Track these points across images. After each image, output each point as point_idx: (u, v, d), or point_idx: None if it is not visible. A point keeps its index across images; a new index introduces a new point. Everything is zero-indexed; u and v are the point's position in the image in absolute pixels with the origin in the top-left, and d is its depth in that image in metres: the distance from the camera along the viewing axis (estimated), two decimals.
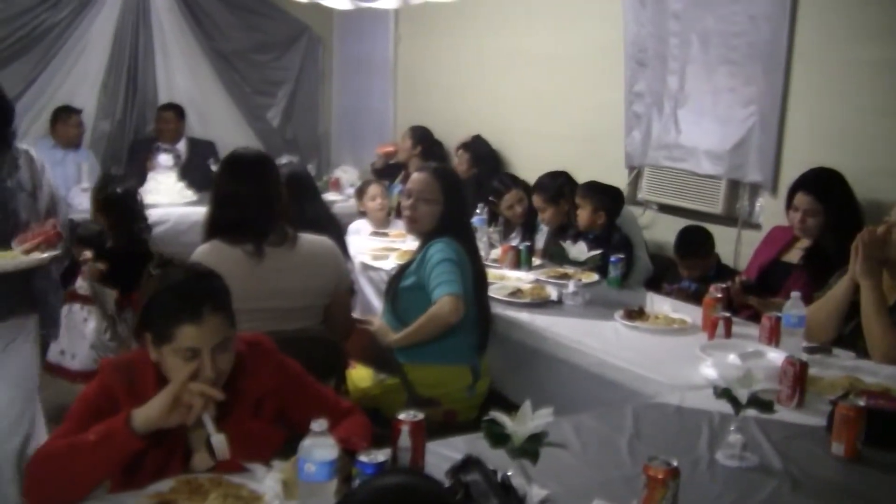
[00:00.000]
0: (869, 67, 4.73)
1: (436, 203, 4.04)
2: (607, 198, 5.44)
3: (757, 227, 5.40)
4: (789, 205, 4.57)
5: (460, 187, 4.30)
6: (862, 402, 2.72)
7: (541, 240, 5.92)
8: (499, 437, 2.23)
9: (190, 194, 7.26)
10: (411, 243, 4.91)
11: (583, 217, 5.40)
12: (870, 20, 4.74)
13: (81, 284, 5.22)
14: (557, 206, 5.71)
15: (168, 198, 7.04)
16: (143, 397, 2.44)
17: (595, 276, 4.99)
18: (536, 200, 5.82)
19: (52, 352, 5.17)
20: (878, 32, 4.71)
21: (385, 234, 6.16)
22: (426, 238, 4.07)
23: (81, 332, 5.24)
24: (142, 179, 7.28)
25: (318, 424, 2.15)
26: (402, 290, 4.06)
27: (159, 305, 2.50)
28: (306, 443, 2.14)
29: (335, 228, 5.02)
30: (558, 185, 5.73)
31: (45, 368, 5.08)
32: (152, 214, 6.68)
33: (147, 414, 2.34)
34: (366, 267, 5.38)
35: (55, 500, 2.34)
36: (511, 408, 2.26)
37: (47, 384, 5.10)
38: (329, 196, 7.76)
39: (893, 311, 3.65)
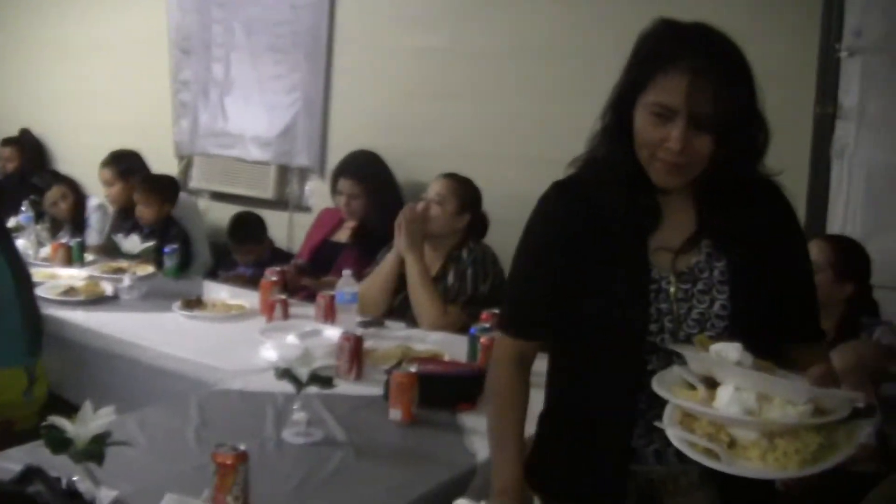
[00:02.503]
0: (406, 54, 5.01)
1: None
2: (170, 191, 5.39)
3: (308, 209, 5.57)
4: (334, 189, 4.75)
5: None
6: (414, 369, 2.90)
7: (91, 235, 5.75)
8: (59, 443, 2.16)
9: None
10: None
11: (146, 213, 5.32)
12: (408, 9, 5.02)
13: None
14: (126, 182, 5.58)
15: None
16: None
17: (151, 269, 4.92)
18: (105, 174, 5.66)
19: None
20: (414, 21, 5.00)
21: None
22: None
23: None
24: None
25: None
26: None
27: None
28: None
29: None
30: (128, 164, 5.61)
31: None
32: None
33: None
34: None
35: None
36: (73, 411, 2.20)
37: None
38: None
39: (436, 281, 3.91)
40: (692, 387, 1.70)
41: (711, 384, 1.68)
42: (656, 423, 1.70)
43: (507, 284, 2.15)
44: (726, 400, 1.61)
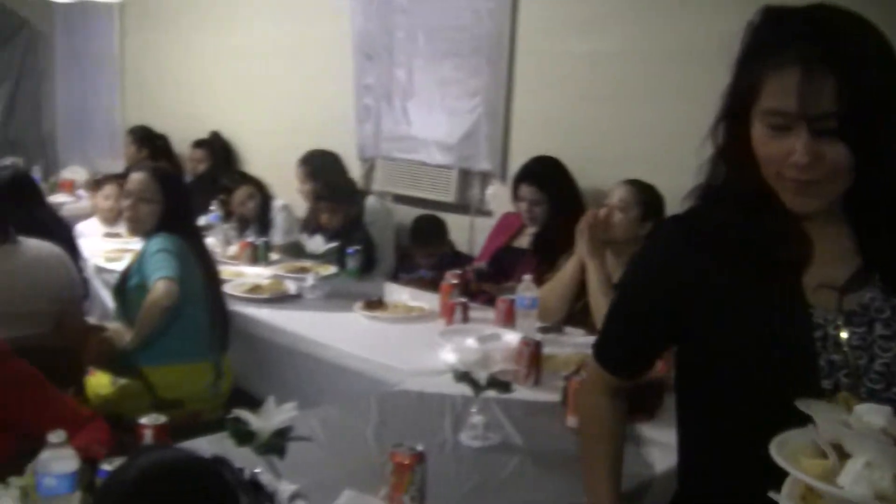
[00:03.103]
0: (585, 58, 4.95)
1: (155, 202, 3.98)
2: (350, 195, 5.50)
3: (488, 213, 5.56)
4: (515, 195, 4.74)
5: (180, 186, 4.28)
6: None
7: (276, 234, 5.90)
8: (244, 435, 2.21)
9: None
10: None
11: (325, 219, 5.43)
12: (585, 14, 4.96)
13: None
14: (317, 181, 5.71)
15: None
16: None
17: (333, 269, 5.02)
18: (299, 172, 5.82)
19: None
20: (589, 25, 4.94)
21: (118, 235, 5.98)
22: (147, 237, 4.01)
23: None
24: None
25: (56, 436, 2.07)
26: (129, 290, 3.98)
27: None
28: (44, 456, 2.06)
29: (64, 231, 4.85)
30: (321, 163, 5.78)
31: None
32: None
33: None
34: (100, 269, 5.20)
35: None
36: (256, 405, 2.25)
37: None
38: (59, 198, 7.47)
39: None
40: (824, 454, 1.35)
41: (845, 454, 1.33)
42: (771, 494, 1.36)
43: (608, 313, 1.90)
44: (853, 477, 1.28)
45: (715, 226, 1.61)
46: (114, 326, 3.99)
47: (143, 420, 2.38)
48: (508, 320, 3.83)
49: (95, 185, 6.64)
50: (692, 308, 1.63)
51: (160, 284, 3.75)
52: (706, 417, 1.71)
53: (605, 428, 1.87)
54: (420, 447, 2.21)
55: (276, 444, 2.20)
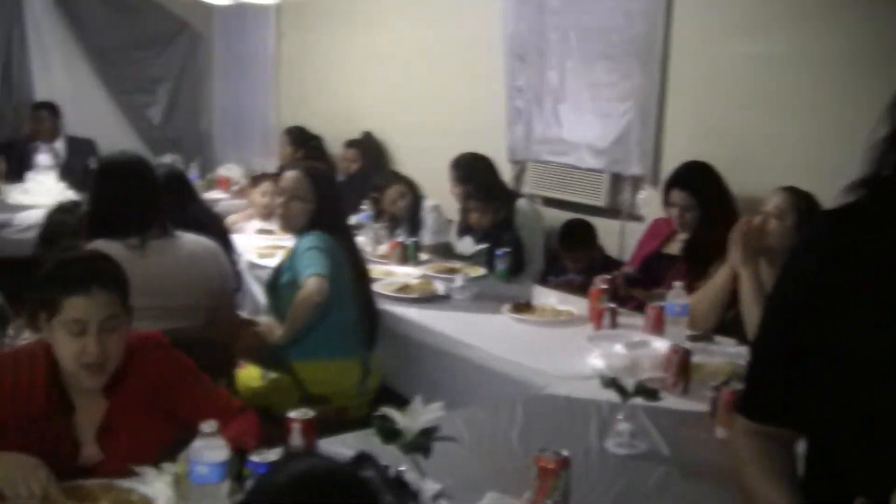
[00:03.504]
0: (743, 61, 4.85)
1: (307, 200, 4.04)
2: (502, 197, 5.51)
3: (639, 218, 5.49)
4: (666, 201, 4.66)
5: (332, 185, 4.34)
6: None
7: (426, 235, 5.94)
8: (390, 433, 2.23)
9: (71, 194, 7.07)
10: None
11: (475, 219, 5.45)
12: (742, 15, 4.86)
13: None
14: (467, 185, 5.74)
15: (49, 198, 6.82)
16: (25, 395, 2.45)
17: (482, 271, 5.03)
18: (451, 175, 5.85)
19: None
20: (750, 27, 4.83)
21: (271, 232, 6.10)
22: (299, 235, 4.08)
23: None
24: (20, 180, 7.15)
25: (209, 425, 2.12)
26: (281, 287, 4.06)
27: (50, 278, 2.51)
28: (196, 444, 2.11)
29: (217, 226, 4.97)
30: (471, 167, 5.78)
31: None
32: (31, 215, 6.54)
33: None
34: (252, 265, 5.32)
35: None
36: (403, 403, 2.27)
37: None
38: (215, 194, 7.69)
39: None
40: None
41: None
42: None
43: (751, 348, 1.69)
44: None
45: (878, 223, 1.45)
46: (265, 321, 4.08)
47: (292, 414, 2.42)
48: (658, 327, 3.78)
49: (252, 182, 6.80)
50: (847, 317, 1.47)
51: (311, 281, 3.81)
52: (843, 430, 1.54)
53: (772, 463, 1.61)
54: (565, 452, 2.20)
55: (422, 443, 2.21)
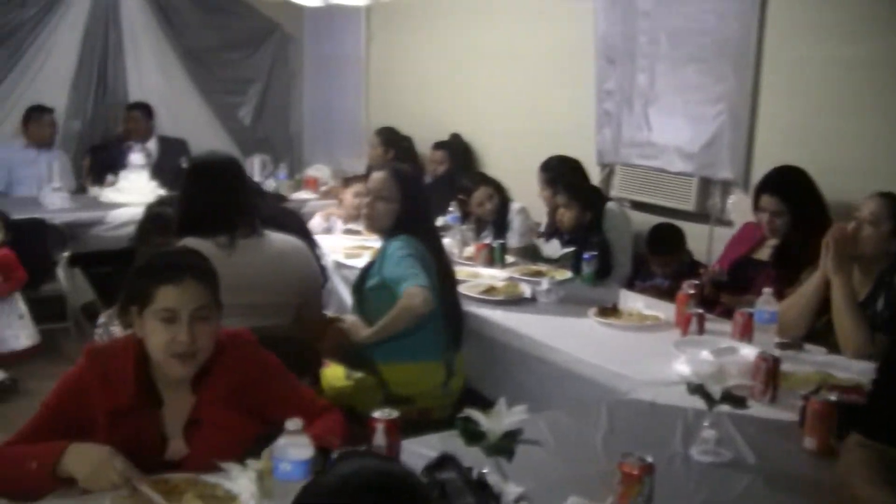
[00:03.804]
0: (837, 65, 4.76)
1: (393, 201, 4.05)
2: (592, 199, 5.48)
3: (729, 223, 5.42)
4: (756, 206, 4.59)
5: (419, 186, 4.33)
6: (833, 398, 2.74)
7: (512, 237, 5.93)
8: (474, 435, 2.23)
9: (163, 193, 7.20)
10: None
11: (566, 218, 5.43)
12: (838, 18, 4.77)
13: None
14: (554, 189, 5.72)
15: (140, 197, 6.94)
16: (116, 386, 2.49)
17: (568, 274, 5.01)
18: (540, 177, 5.85)
19: None
20: (846, 30, 4.74)
21: (358, 232, 6.14)
22: (386, 237, 4.09)
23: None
24: (114, 178, 7.30)
25: (294, 423, 2.14)
26: (368, 290, 4.07)
27: (142, 271, 2.57)
28: (281, 442, 2.13)
29: (295, 223, 4.99)
30: (559, 171, 5.78)
31: None
32: (123, 214, 6.69)
33: (74, 469, 2.31)
34: (339, 265, 5.36)
35: (12, 497, 2.38)
36: (486, 405, 2.27)
37: None
38: (303, 195, 7.77)
39: (863, 307, 3.68)
40: None
41: None
42: None
43: (877, 369, 1.65)
44: None
45: None
46: (351, 319, 4.09)
47: (376, 414, 2.43)
48: (746, 334, 3.72)
49: (344, 183, 6.85)
50: None
51: (417, 292, 3.77)
52: None
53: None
54: (649, 458, 2.18)
55: (506, 445, 2.21)
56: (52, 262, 5.59)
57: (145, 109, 8.33)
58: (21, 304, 5.75)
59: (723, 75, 5.35)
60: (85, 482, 2.29)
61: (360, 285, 4.14)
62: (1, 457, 2.43)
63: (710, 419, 2.68)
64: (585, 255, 4.94)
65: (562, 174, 5.73)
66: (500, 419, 2.22)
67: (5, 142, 7.97)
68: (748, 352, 3.40)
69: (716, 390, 2.60)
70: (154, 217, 4.21)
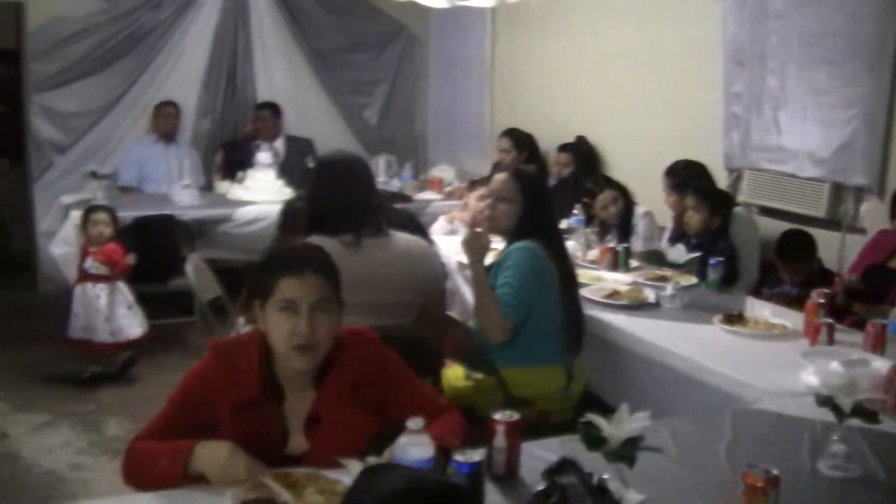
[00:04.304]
0: None
1: (514, 203, 4.03)
2: (721, 204, 5.39)
3: (862, 231, 5.28)
4: (893, 213, 4.46)
5: (541, 188, 4.29)
6: None
7: (637, 241, 5.87)
8: (595, 440, 2.21)
9: (289, 192, 7.31)
10: None
11: (694, 221, 5.35)
12: None
13: (91, 264, 5.75)
14: (681, 194, 5.67)
15: (267, 195, 7.09)
16: (240, 381, 2.54)
17: (694, 279, 4.94)
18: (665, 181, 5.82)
19: (74, 328, 5.78)
20: None
21: None
22: (508, 239, 4.07)
23: (96, 308, 5.76)
24: (243, 176, 7.47)
25: (415, 423, 2.15)
26: None
27: (264, 265, 2.63)
28: (402, 441, 2.14)
29: (409, 222, 5.00)
30: (685, 177, 5.74)
31: (69, 345, 5.83)
32: (251, 211, 6.82)
33: (205, 469, 2.37)
34: (462, 266, 5.37)
35: (144, 489, 2.43)
36: (606, 410, 2.24)
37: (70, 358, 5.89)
38: (427, 195, 7.82)
39: None
40: None
41: None
42: None
43: None
44: None
45: None
46: (472, 324, 4.10)
47: (497, 416, 2.43)
48: (878, 346, 3.61)
49: (471, 186, 6.87)
50: None
51: (497, 321, 3.81)
52: None
53: None
54: (775, 471, 2.13)
55: (627, 452, 2.18)
56: (182, 257, 5.71)
57: (273, 109, 8.48)
58: (129, 295, 5.94)
59: (857, 78, 5.21)
60: (216, 480, 2.34)
61: None
62: (133, 453, 2.50)
63: (839, 433, 2.60)
64: (711, 261, 4.86)
65: (688, 178, 5.65)
66: (621, 425, 2.19)
67: (138, 139, 8.21)
68: (881, 364, 3.29)
69: (846, 403, 2.53)
70: (292, 212, 4.30)
